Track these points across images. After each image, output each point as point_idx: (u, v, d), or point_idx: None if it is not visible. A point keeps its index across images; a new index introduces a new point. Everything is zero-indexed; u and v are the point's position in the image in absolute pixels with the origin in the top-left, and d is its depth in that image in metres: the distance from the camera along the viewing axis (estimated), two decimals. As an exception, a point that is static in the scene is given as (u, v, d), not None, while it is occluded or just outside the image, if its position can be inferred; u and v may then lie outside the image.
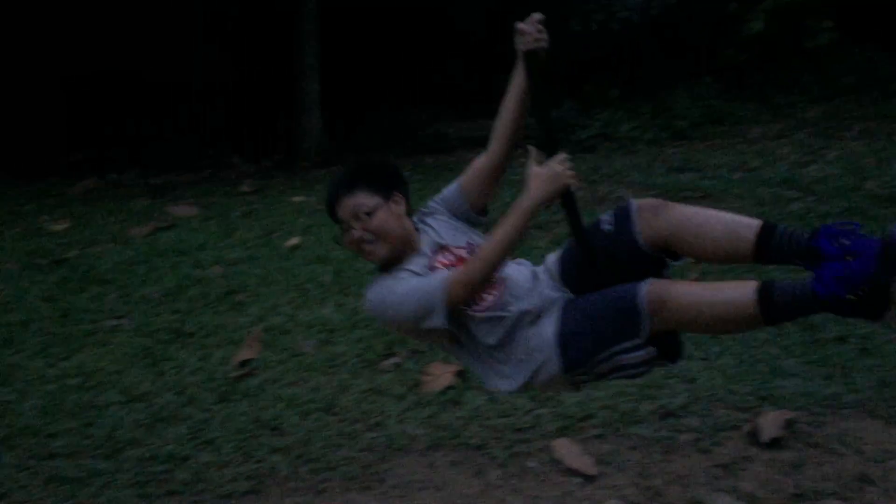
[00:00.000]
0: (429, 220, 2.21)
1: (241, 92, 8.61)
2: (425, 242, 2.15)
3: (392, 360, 3.31)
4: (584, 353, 2.00)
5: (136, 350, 3.51)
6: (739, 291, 1.90)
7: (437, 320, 2.02)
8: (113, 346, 3.56)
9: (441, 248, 2.15)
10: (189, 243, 4.95)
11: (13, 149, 7.58)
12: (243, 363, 3.33)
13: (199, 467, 2.60)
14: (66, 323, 3.83)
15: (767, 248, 1.98)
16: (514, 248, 2.03)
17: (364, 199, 2.11)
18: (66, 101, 7.97)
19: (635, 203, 2.06)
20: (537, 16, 2.01)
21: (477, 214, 2.19)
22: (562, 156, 2.01)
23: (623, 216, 2.07)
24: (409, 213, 2.18)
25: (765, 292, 1.88)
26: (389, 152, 7.75)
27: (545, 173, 2.01)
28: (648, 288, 1.93)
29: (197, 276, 4.38)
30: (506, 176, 2.13)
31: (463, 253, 2.13)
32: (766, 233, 1.97)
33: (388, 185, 2.15)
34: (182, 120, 8.36)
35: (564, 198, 2.02)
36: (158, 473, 2.59)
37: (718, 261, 2.06)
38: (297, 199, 6.11)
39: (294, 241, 4.92)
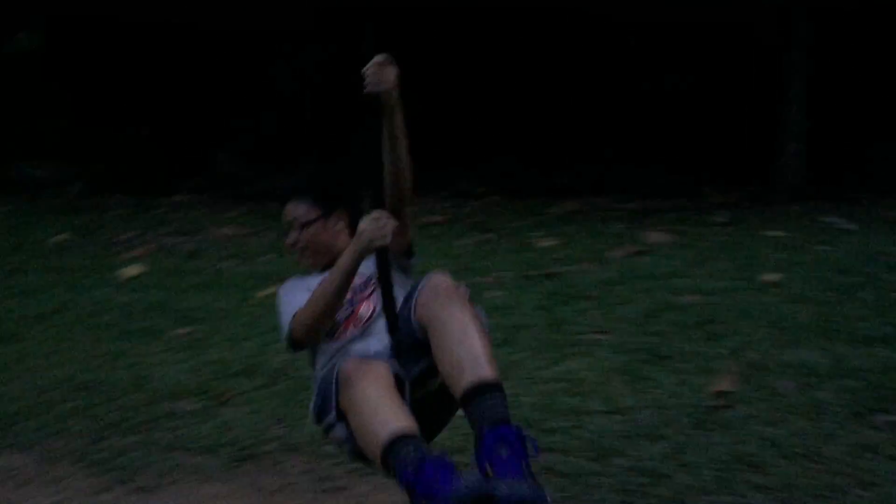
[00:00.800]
0: None
1: (713, 120, 8.59)
2: None
3: (885, 417, 3.07)
4: (319, 405, 2.02)
5: (616, 365, 3.73)
6: (385, 426, 1.81)
7: (287, 346, 2.23)
8: (595, 359, 3.83)
9: None
10: (664, 269, 5.11)
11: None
12: (720, 394, 3.35)
13: (680, 488, 2.69)
14: (554, 331, 4.23)
15: (466, 407, 1.89)
16: (332, 298, 2.09)
17: (305, 211, 2.30)
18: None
19: (429, 277, 2.00)
20: (378, 57, 2.02)
21: (402, 255, 2.26)
22: (375, 213, 2.03)
23: (416, 285, 2.02)
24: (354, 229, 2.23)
25: (393, 445, 1.79)
26: (879, 190, 7.12)
27: (360, 228, 2.06)
28: (348, 364, 1.90)
29: (672, 302, 4.50)
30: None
31: (358, 282, 2.19)
32: (472, 393, 1.86)
33: (333, 202, 2.30)
34: (648, 147, 8.60)
35: (377, 254, 2.06)
36: (641, 485, 2.73)
37: (442, 378, 1.95)
38: (773, 233, 5.93)
39: (771, 276, 4.79)
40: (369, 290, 2.23)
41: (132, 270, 5.66)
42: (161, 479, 3.11)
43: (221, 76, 8.85)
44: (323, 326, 2.15)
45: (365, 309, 2.21)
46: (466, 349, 1.89)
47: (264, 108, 8.87)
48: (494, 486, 1.73)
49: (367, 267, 2.18)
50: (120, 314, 4.70)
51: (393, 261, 2.18)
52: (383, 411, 1.86)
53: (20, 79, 8.49)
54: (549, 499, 1.80)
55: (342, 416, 1.94)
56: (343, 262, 2.10)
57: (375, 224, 2.05)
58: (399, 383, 1.97)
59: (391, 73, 2.03)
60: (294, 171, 8.77)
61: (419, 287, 2.01)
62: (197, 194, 8.80)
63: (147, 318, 4.68)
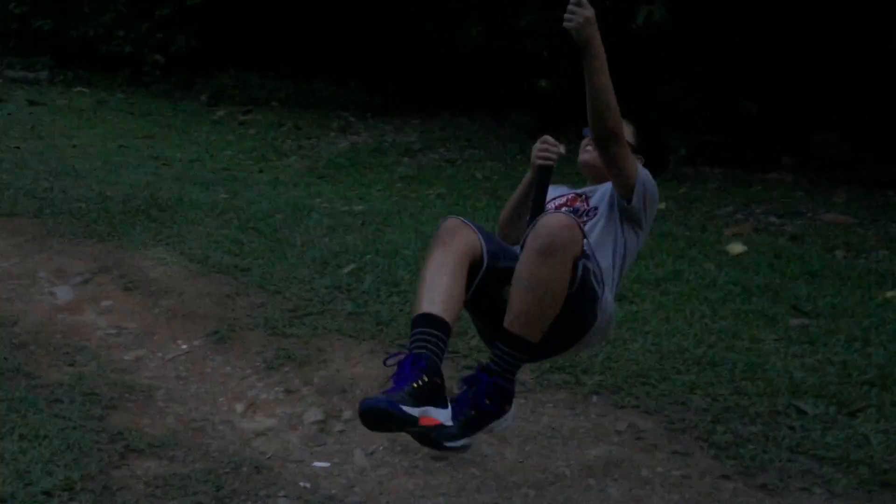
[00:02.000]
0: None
1: None
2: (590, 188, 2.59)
3: None
4: None
5: None
6: (423, 300, 2.11)
7: None
8: None
9: (577, 195, 2.57)
10: None
11: None
12: None
13: None
14: None
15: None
16: (511, 203, 2.58)
17: (624, 132, 2.41)
18: None
19: (547, 217, 2.10)
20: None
21: (622, 198, 2.39)
22: (544, 137, 2.39)
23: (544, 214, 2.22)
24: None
25: (418, 319, 2.10)
26: None
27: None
28: (448, 221, 2.23)
29: None
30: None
31: (576, 201, 2.56)
32: (502, 332, 2.10)
33: (645, 144, 2.55)
34: None
35: (537, 173, 2.39)
36: None
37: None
38: None
39: None
40: (582, 219, 2.44)
41: (737, 248, 5.52)
42: (786, 483, 2.91)
43: (833, 55, 8.18)
44: (506, 224, 2.57)
45: None
46: (521, 300, 2.08)
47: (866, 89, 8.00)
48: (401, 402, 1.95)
49: (596, 199, 2.49)
50: (730, 292, 4.58)
51: (615, 199, 2.42)
52: (432, 287, 2.11)
53: (644, 50, 8.94)
54: (459, 443, 2.04)
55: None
56: (525, 178, 2.52)
57: (540, 146, 2.37)
58: (480, 262, 2.21)
59: (581, 15, 2.21)
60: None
61: (538, 219, 2.12)
62: (792, 174, 8.36)
63: (758, 300, 4.49)
